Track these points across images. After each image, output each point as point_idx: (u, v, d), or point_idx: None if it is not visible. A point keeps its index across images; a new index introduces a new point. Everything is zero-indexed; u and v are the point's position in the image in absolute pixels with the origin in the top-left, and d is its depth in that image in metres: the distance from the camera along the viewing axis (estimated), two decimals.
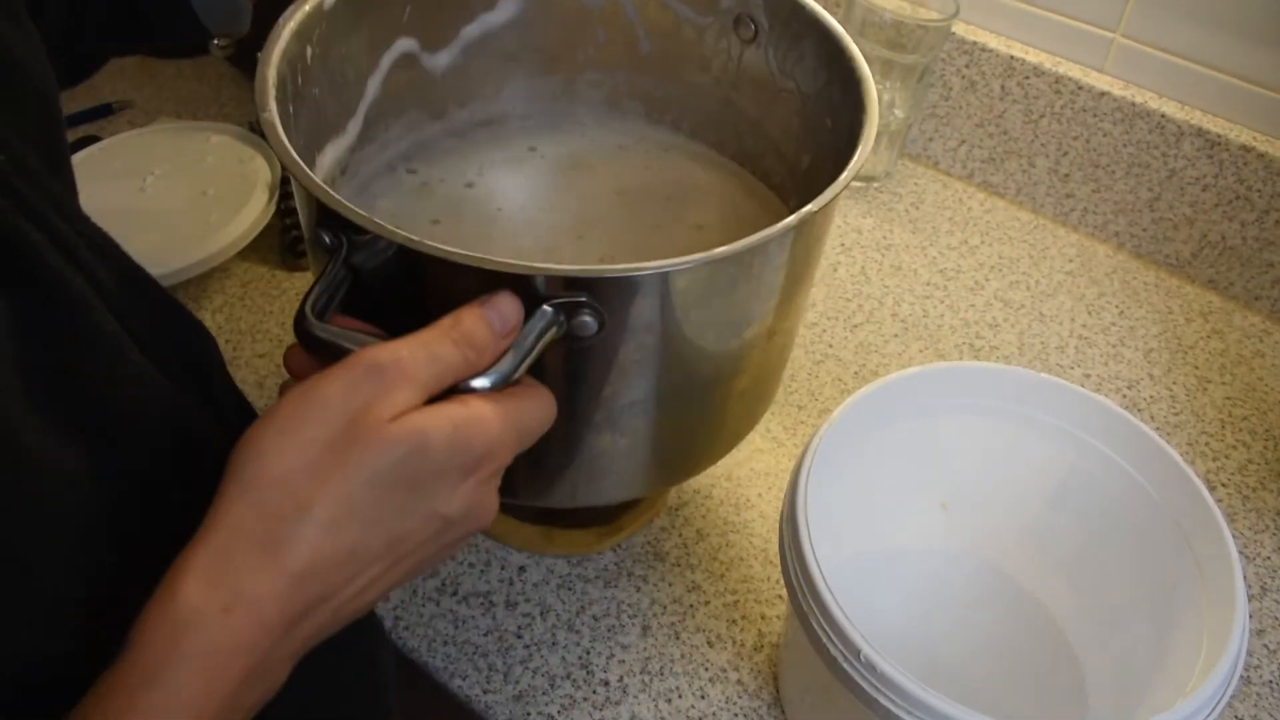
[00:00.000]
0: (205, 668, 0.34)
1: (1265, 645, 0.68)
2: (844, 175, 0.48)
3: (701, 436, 0.57)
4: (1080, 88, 0.88)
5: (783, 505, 0.55)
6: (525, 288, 0.42)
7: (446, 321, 0.40)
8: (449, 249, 0.41)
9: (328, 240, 0.45)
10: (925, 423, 0.63)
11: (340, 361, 0.38)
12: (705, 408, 0.55)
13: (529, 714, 0.60)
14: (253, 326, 0.80)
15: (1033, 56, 0.90)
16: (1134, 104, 0.86)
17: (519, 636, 0.64)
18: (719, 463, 0.72)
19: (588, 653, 0.63)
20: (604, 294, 0.43)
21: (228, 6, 0.59)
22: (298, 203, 0.54)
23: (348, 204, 0.43)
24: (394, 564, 0.39)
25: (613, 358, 0.47)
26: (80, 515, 0.37)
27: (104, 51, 0.63)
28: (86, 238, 0.42)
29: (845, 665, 0.49)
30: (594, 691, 0.61)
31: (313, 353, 0.41)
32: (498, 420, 0.40)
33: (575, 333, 0.43)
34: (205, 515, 0.36)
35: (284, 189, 0.86)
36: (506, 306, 0.41)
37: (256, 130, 0.91)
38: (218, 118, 0.98)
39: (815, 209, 0.47)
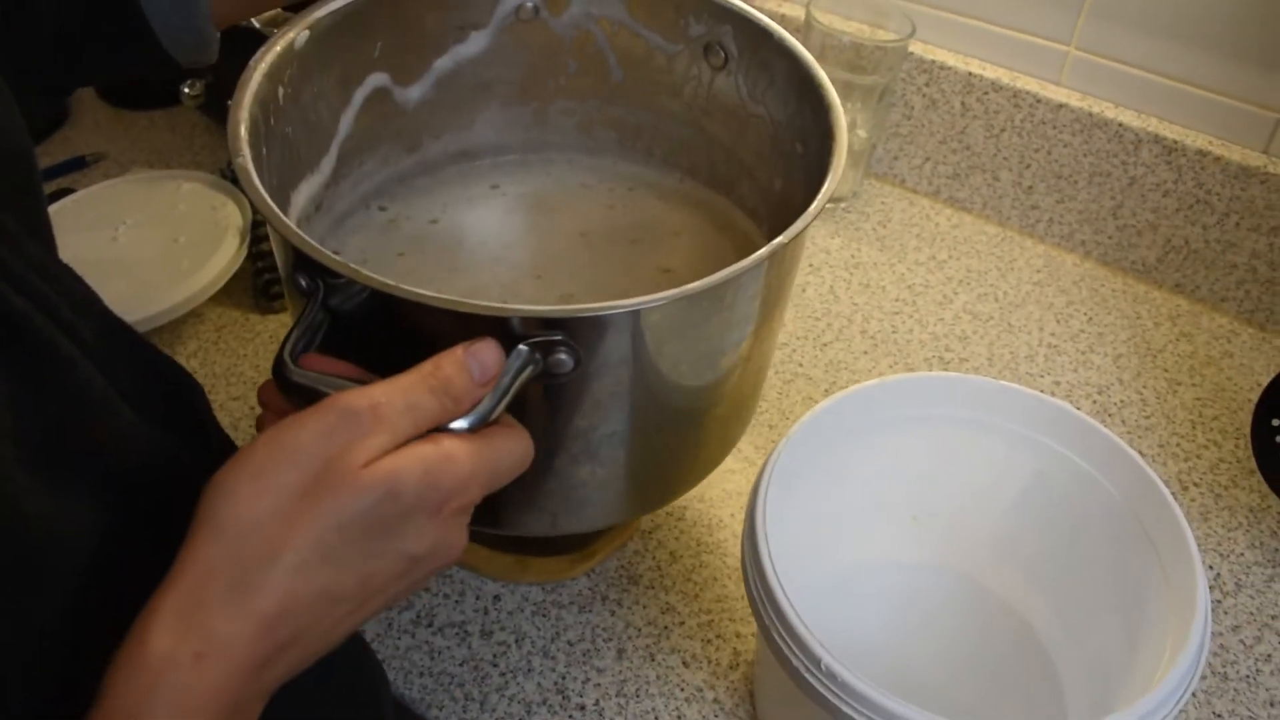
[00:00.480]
0: (179, 715, 0.34)
1: (1241, 641, 0.68)
2: (814, 205, 0.49)
3: (679, 463, 0.58)
4: (1038, 100, 0.89)
5: (744, 521, 0.55)
6: (501, 328, 0.42)
7: (426, 368, 0.40)
8: (426, 293, 0.42)
9: (304, 283, 0.45)
10: (888, 436, 0.64)
11: (316, 406, 0.38)
12: (682, 436, 0.56)
13: None
14: (227, 370, 0.81)
15: (990, 72, 0.91)
16: (1091, 114, 0.87)
17: (494, 665, 0.64)
18: None
19: (563, 678, 0.63)
20: (579, 332, 0.44)
21: (193, 36, 0.59)
22: (274, 247, 0.54)
23: (323, 250, 0.43)
24: (363, 602, 0.39)
25: (589, 392, 0.47)
26: (79, 572, 0.37)
27: (67, 84, 0.63)
28: (68, 297, 0.42)
29: (808, 676, 0.49)
30: (570, 716, 0.62)
31: (290, 396, 0.41)
32: (469, 459, 0.40)
33: (551, 370, 0.44)
34: (175, 558, 0.36)
35: (255, 233, 0.87)
36: (487, 355, 0.41)
37: (228, 176, 0.92)
38: (190, 166, 0.99)
39: (786, 240, 0.48)
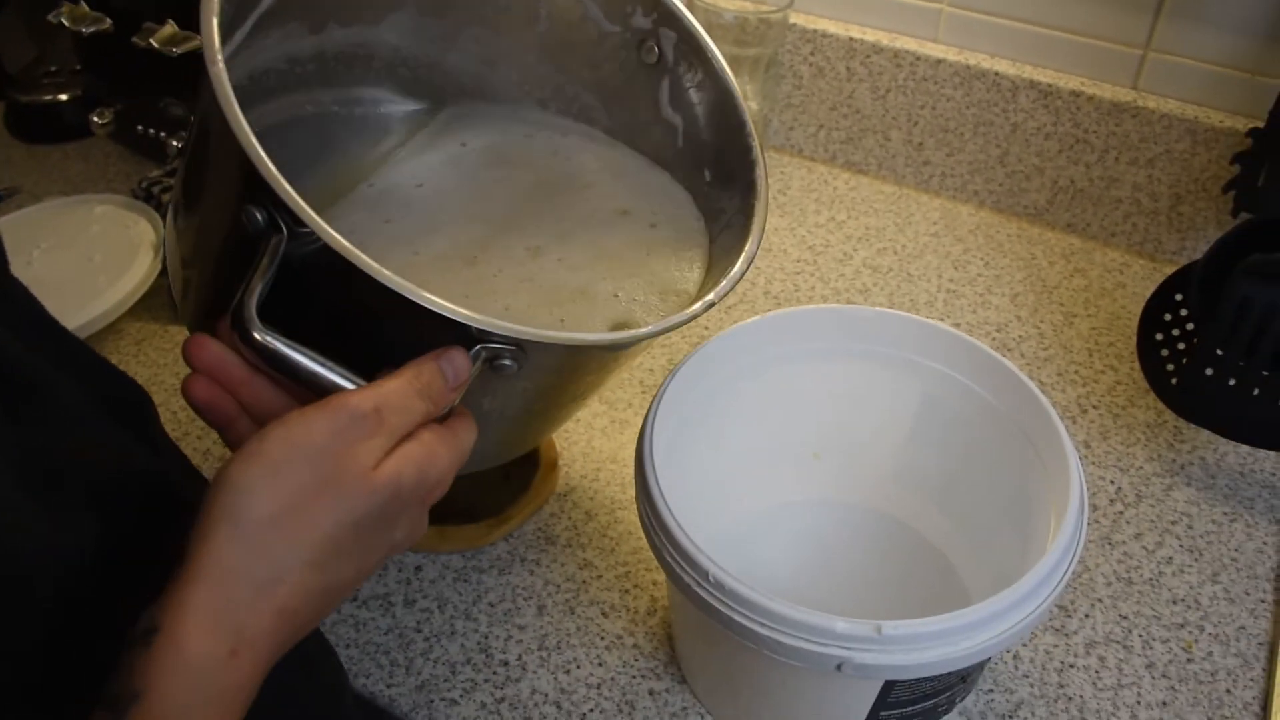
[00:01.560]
0: (220, 709, 0.36)
1: (1144, 547, 0.70)
2: (725, 286, 0.53)
3: (551, 426, 0.63)
4: (918, 58, 0.92)
5: (635, 451, 0.57)
6: (468, 334, 0.44)
7: (409, 373, 0.43)
8: (416, 291, 0.42)
9: (260, 219, 0.43)
10: (778, 373, 0.66)
11: (324, 405, 0.40)
12: (563, 410, 0.60)
13: (432, 701, 0.62)
14: (149, 380, 0.83)
15: (870, 35, 0.94)
16: (969, 66, 0.91)
17: (419, 631, 0.65)
18: (604, 447, 0.75)
19: (486, 637, 0.65)
20: (532, 347, 0.46)
21: None
22: (217, 166, 0.48)
23: (329, 229, 0.42)
24: (350, 586, 0.42)
25: (507, 383, 0.50)
26: (72, 585, 0.38)
27: None
28: (24, 316, 0.44)
29: (699, 591, 0.51)
30: (494, 673, 0.63)
31: (252, 353, 0.42)
32: (447, 452, 0.43)
33: (496, 369, 0.47)
34: (190, 552, 0.37)
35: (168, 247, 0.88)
36: (460, 362, 0.44)
37: (139, 195, 0.93)
38: (105, 191, 1.01)
39: (715, 300, 0.52)
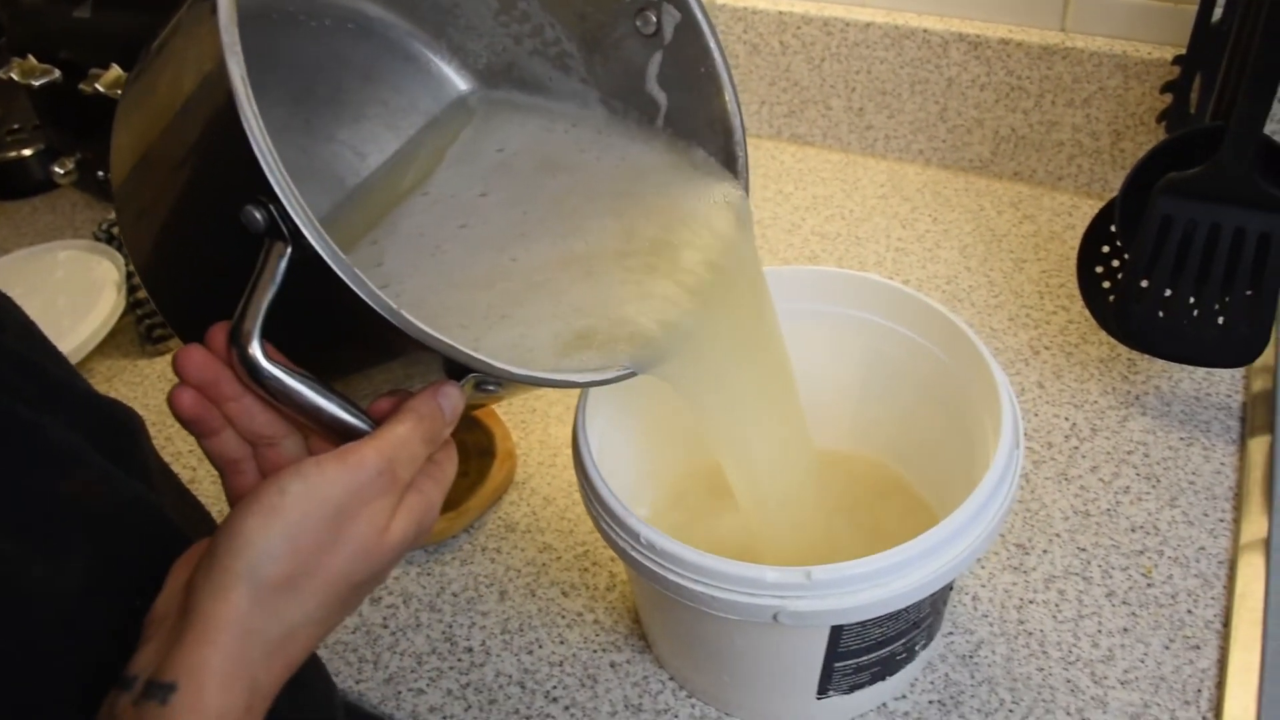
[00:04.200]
0: None
1: (1100, 479, 0.71)
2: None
3: None
4: (848, 24, 0.93)
5: (572, 428, 0.58)
6: (463, 364, 0.43)
7: (412, 418, 0.42)
8: (413, 321, 0.40)
9: (260, 221, 0.38)
10: None
11: (343, 461, 0.39)
12: None
13: (399, 692, 0.63)
14: None
15: (799, 7, 0.95)
16: (898, 26, 0.91)
17: (385, 626, 0.66)
18: (560, 433, 0.76)
19: (450, 626, 0.66)
20: (510, 379, 0.46)
21: None
22: (208, 146, 0.43)
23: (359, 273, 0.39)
24: (339, 624, 0.44)
25: (494, 394, 0.50)
26: (65, 624, 0.39)
27: None
28: (11, 362, 0.45)
29: (634, 554, 0.52)
30: (459, 660, 0.64)
31: (256, 383, 0.40)
32: (438, 493, 0.44)
33: (480, 389, 0.47)
34: (201, 607, 0.37)
35: (131, 283, 0.90)
36: (456, 400, 0.45)
37: (101, 238, 0.96)
38: (72, 238, 1.03)
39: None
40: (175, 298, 0.50)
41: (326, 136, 0.63)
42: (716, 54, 0.58)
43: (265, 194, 0.37)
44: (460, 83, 0.67)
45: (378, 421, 0.43)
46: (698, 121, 0.60)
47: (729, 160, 0.59)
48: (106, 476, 0.44)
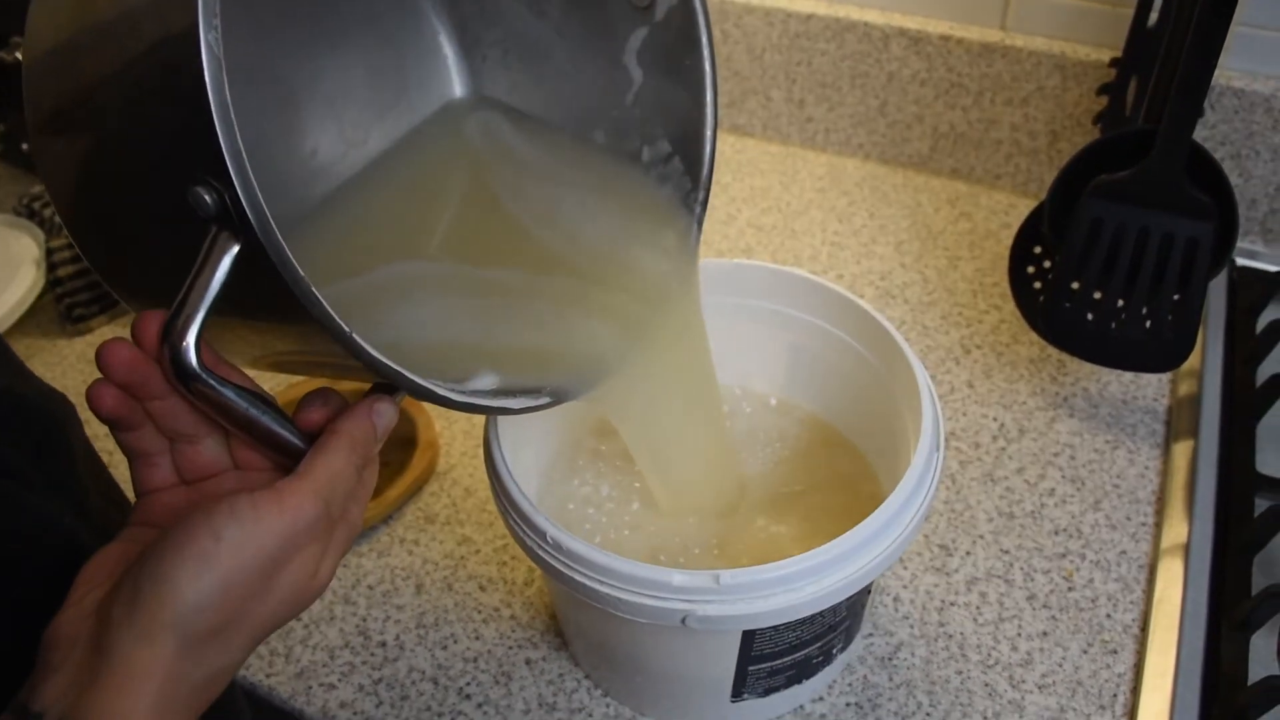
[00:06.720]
0: None
1: (1026, 481, 0.70)
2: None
3: None
4: (789, 15, 0.92)
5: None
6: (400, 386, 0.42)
7: (345, 445, 0.41)
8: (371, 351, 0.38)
9: (209, 202, 0.34)
10: None
11: (281, 506, 0.38)
12: None
13: (310, 687, 0.61)
14: None
15: None
16: (839, 19, 0.90)
17: (298, 619, 0.65)
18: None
19: (364, 620, 0.65)
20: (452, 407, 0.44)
21: None
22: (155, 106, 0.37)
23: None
24: None
25: None
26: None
27: None
28: None
29: (541, 553, 0.51)
30: (372, 654, 0.63)
31: (188, 391, 0.38)
32: (362, 513, 0.43)
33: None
34: (123, 649, 0.36)
35: (51, 259, 0.87)
36: (389, 416, 0.43)
37: (21, 212, 0.93)
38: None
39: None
40: (103, 244, 0.43)
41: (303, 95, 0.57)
42: (705, 50, 0.55)
43: (219, 180, 0.33)
44: (458, 83, 0.64)
45: (309, 434, 0.41)
46: (670, 116, 0.57)
47: (692, 165, 0.57)
48: (39, 505, 0.43)
